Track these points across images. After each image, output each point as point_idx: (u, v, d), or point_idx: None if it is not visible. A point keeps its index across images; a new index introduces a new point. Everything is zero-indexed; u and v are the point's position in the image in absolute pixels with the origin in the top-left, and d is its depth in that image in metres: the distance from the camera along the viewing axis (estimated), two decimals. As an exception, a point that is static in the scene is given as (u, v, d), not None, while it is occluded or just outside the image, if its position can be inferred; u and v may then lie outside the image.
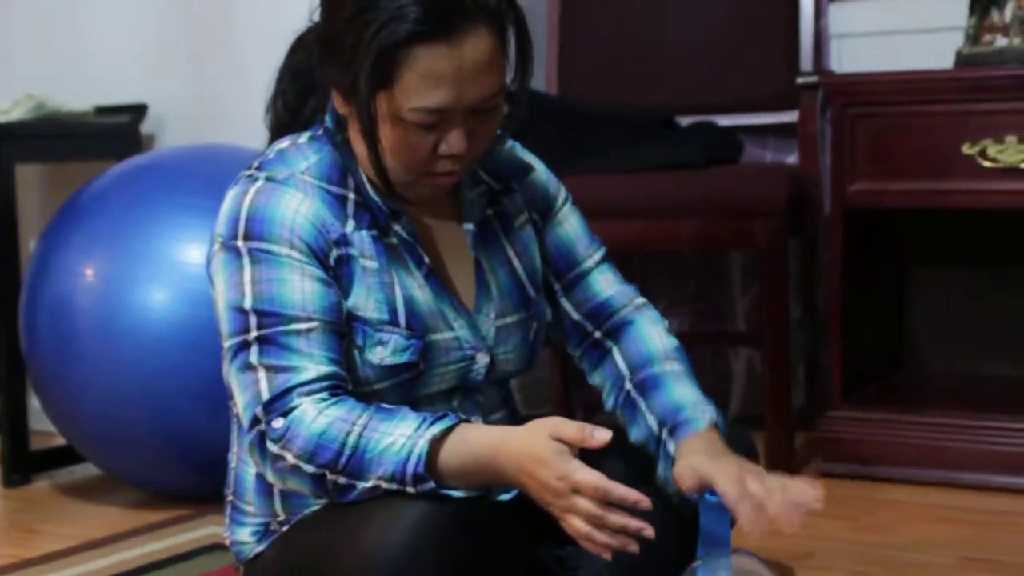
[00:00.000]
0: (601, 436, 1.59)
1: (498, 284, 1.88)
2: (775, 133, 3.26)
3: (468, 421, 1.69)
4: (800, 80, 2.99)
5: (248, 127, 3.09)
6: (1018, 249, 3.06)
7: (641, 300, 1.99)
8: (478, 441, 1.64)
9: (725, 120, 3.15)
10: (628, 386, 1.91)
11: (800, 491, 1.69)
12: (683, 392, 1.86)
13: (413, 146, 1.70)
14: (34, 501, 2.89)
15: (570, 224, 1.98)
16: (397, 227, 1.80)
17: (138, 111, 3.32)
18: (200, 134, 3.22)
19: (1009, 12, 2.75)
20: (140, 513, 2.71)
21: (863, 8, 3.29)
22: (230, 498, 1.93)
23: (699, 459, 1.73)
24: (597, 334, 1.97)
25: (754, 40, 3.24)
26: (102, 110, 3.32)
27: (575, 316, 1.97)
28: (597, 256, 1.98)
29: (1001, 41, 2.75)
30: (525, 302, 1.90)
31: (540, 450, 1.59)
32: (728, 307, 3.39)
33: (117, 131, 3.28)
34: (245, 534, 1.90)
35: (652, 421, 1.86)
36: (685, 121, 3.11)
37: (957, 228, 3.06)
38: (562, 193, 1.99)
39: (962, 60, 2.79)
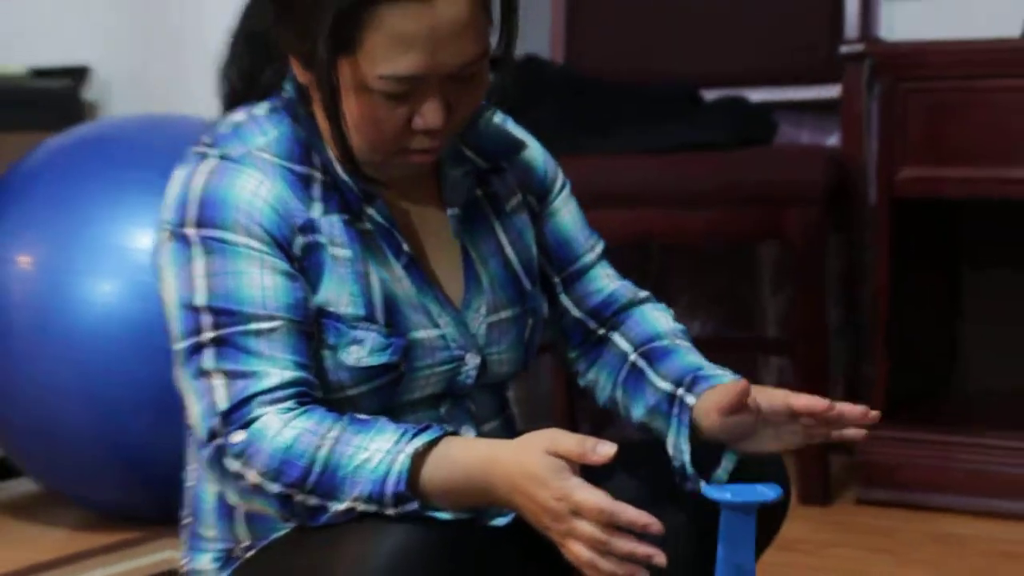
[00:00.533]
0: (604, 451, 1.58)
1: (489, 275, 1.88)
2: (814, 110, 3.28)
3: (455, 433, 1.69)
4: (844, 49, 3.02)
5: (208, 94, 3.13)
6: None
7: (645, 293, 2.01)
8: (466, 456, 1.64)
9: (756, 95, 3.16)
10: (632, 358, 1.92)
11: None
12: (698, 359, 1.88)
13: (381, 120, 1.69)
14: (-37, 521, 2.92)
15: (569, 212, 1.99)
16: (371, 211, 1.79)
17: (79, 74, 3.35)
18: (152, 101, 3.24)
19: (1086, -26, 2.78)
20: (85, 535, 2.74)
21: (918, -32, 3.30)
22: (187, 520, 1.94)
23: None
24: (600, 331, 1.98)
25: (790, 3, 3.25)
26: (38, 73, 3.35)
27: (576, 314, 1.98)
28: (599, 249, 1.99)
29: (1079, 7, 2.78)
30: (520, 295, 1.90)
31: (536, 467, 1.59)
32: (757, 310, 3.42)
33: (55, 97, 3.31)
34: (205, 561, 1.90)
35: (664, 384, 1.86)
36: (710, 95, 3.13)
37: (1020, 223, 3.05)
38: (560, 176, 1.99)
39: (1032, 29, 2.80)
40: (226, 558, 1.88)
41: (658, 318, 1.98)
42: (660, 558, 1.58)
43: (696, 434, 1.81)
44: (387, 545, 1.63)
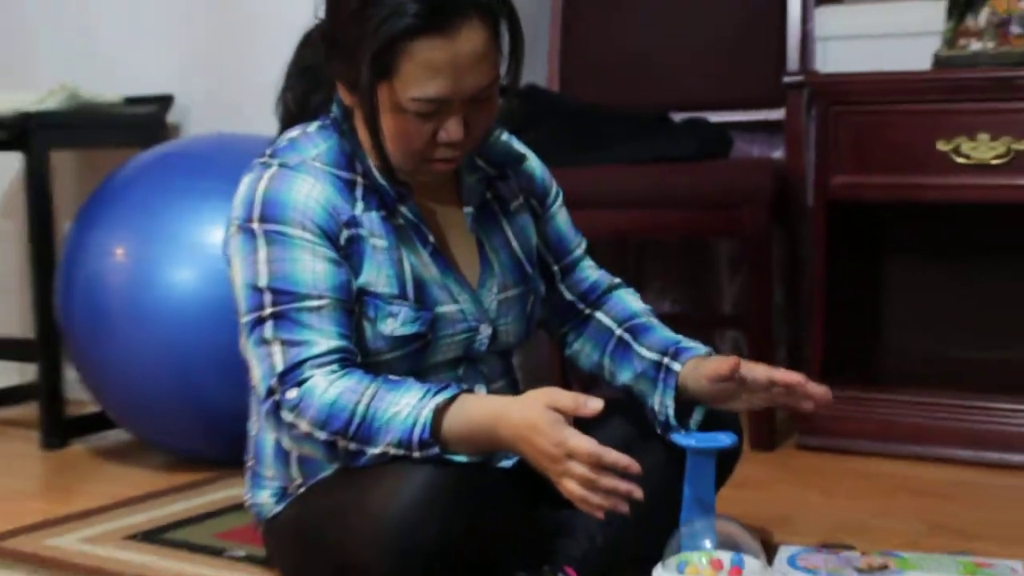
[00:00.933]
0: (594, 405, 1.61)
1: (499, 262, 1.90)
2: (762, 129, 3.26)
3: (470, 391, 1.72)
4: (787, 80, 3.01)
5: (265, 117, 3.10)
6: (986, 242, 3.05)
7: (618, 280, 2.06)
8: (479, 410, 1.67)
9: (715, 117, 3.15)
10: (618, 333, 1.97)
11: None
12: (672, 333, 1.95)
13: (412, 134, 1.71)
14: (70, 463, 2.91)
15: (562, 217, 2.03)
16: (403, 209, 1.81)
17: (164, 102, 3.33)
18: (221, 123, 3.21)
19: (984, 18, 2.74)
20: (167, 475, 2.74)
21: (847, 12, 3.28)
22: (250, 464, 1.95)
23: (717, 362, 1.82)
24: (587, 311, 2.03)
25: (744, 42, 3.23)
26: (131, 100, 3.32)
27: (568, 297, 2.02)
28: (583, 246, 2.05)
29: (976, 45, 2.74)
30: (523, 277, 1.93)
31: (537, 418, 1.61)
32: (716, 292, 3.41)
33: (145, 120, 3.29)
34: (264, 496, 1.92)
35: (650, 354, 1.91)
36: (678, 118, 3.12)
37: (931, 221, 3.05)
38: (554, 185, 2.02)
39: (939, 62, 2.79)
40: (282, 494, 1.90)
41: (632, 300, 2.03)
42: (638, 493, 1.61)
43: (677, 394, 1.86)
44: (415, 481, 1.66)
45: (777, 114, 3.10)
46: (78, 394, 3.08)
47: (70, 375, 3.00)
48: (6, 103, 3.15)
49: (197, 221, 2.66)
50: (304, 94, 1.90)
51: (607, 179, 2.88)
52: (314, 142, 1.82)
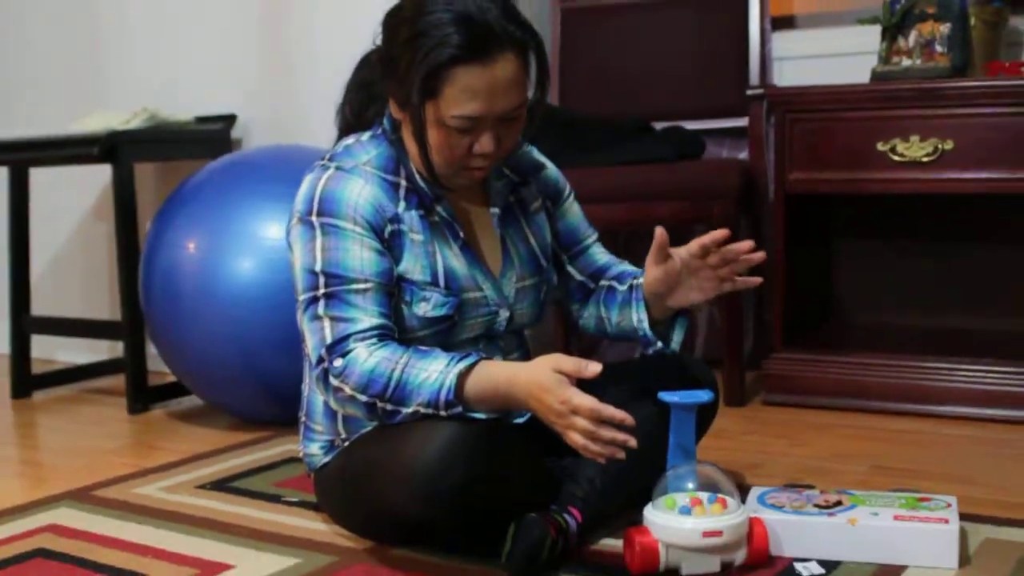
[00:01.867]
0: (594, 368, 1.61)
1: (519, 255, 1.89)
2: (730, 135, 3.23)
3: (489, 358, 1.70)
4: (749, 92, 2.98)
5: (315, 131, 3.12)
6: (920, 227, 3.05)
7: (626, 263, 2.04)
8: (496, 374, 1.66)
9: (691, 125, 3.13)
10: (606, 284, 1.98)
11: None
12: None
13: (453, 146, 1.71)
14: (152, 425, 2.90)
15: (574, 212, 2.01)
16: (439, 208, 1.81)
17: (229, 120, 3.32)
18: (276, 138, 3.22)
19: (912, 39, 2.74)
20: (232, 434, 2.72)
21: (799, 36, 3.29)
22: (303, 419, 1.94)
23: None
24: (591, 285, 2.01)
25: (713, 62, 3.21)
26: (201, 119, 3.32)
27: (579, 278, 2.01)
28: (594, 236, 2.04)
29: (906, 62, 2.74)
30: (539, 269, 1.92)
31: (545, 380, 1.61)
32: (693, 272, 3.37)
33: (212, 136, 3.27)
34: (315, 448, 1.92)
35: (623, 287, 1.93)
36: (659, 126, 3.10)
37: (873, 209, 3.05)
38: (567, 187, 2.02)
39: (876, 76, 2.77)
40: (329, 446, 1.91)
41: (629, 270, 2.01)
42: (632, 442, 1.61)
43: (649, 306, 1.87)
44: (440, 434, 1.65)
45: (742, 122, 3.07)
46: (158, 366, 3.09)
47: (151, 350, 3.00)
48: (98, 123, 3.17)
49: (256, 219, 2.63)
50: (361, 107, 1.90)
51: (599, 178, 2.85)
52: (366, 149, 1.82)
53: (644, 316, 1.88)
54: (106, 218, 3.58)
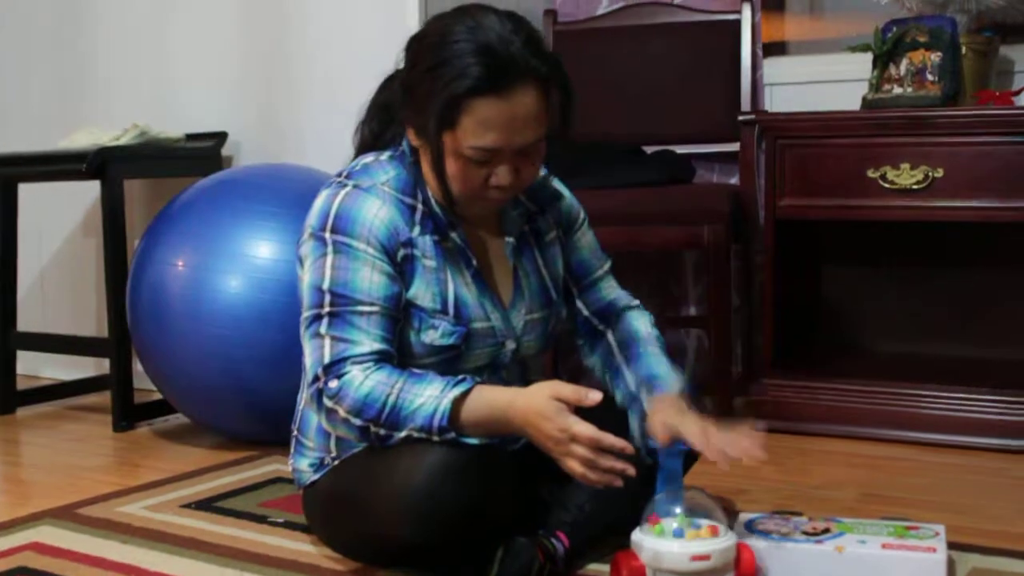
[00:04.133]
0: (595, 397, 1.60)
1: (530, 288, 1.87)
2: (720, 160, 3.23)
3: (484, 383, 1.69)
4: (741, 118, 2.98)
5: (305, 150, 3.11)
6: (909, 254, 3.05)
7: (636, 302, 2.00)
8: (493, 400, 1.65)
9: (681, 149, 3.13)
10: (617, 360, 1.92)
11: (748, 445, 1.70)
12: (659, 365, 1.87)
13: (470, 177, 1.68)
14: (137, 443, 2.88)
15: (587, 240, 1.98)
16: (453, 235, 1.78)
17: (219, 137, 3.31)
18: (266, 156, 3.21)
19: (903, 67, 2.75)
20: (219, 453, 2.70)
21: (790, 62, 3.30)
22: (296, 433, 1.93)
23: (669, 414, 1.73)
24: (601, 327, 1.97)
25: (704, 87, 3.22)
26: (191, 136, 3.31)
27: (585, 313, 1.97)
28: (606, 266, 2.00)
29: (897, 90, 2.74)
30: (549, 302, 1.90)
31: (543, 407, 1.60)
32: (683, 296, 3.37)
33: (203, 153, 3.26)
34: (304, 464, 1.90)
35: (632, 384, 1.86)
36: (649, 150, 3.10)
37: (862, 236, 3.04)
38: (582, 215, 1.98)
39: (867, 104, 2.78)
40: (319, 464, 1.90)
41: (640, 324, 1.96)
42: (631, 471, 1.61)
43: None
44: (432, 457, 1.64)
45: (733, 147, 3.06)
46: (144, 384, 3.06)
47: (137, 368, 2.97)
48: (87, 140, 3.16)
49: (246, 238, 2.62)
50: (381, 128, 1.87)
51: (588, 202, 2.74)
52: (384, 169, 1.79)
53: (638, 427, 1.82)
54: (94, 235, 3.57)
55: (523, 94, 1.64)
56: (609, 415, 1.81)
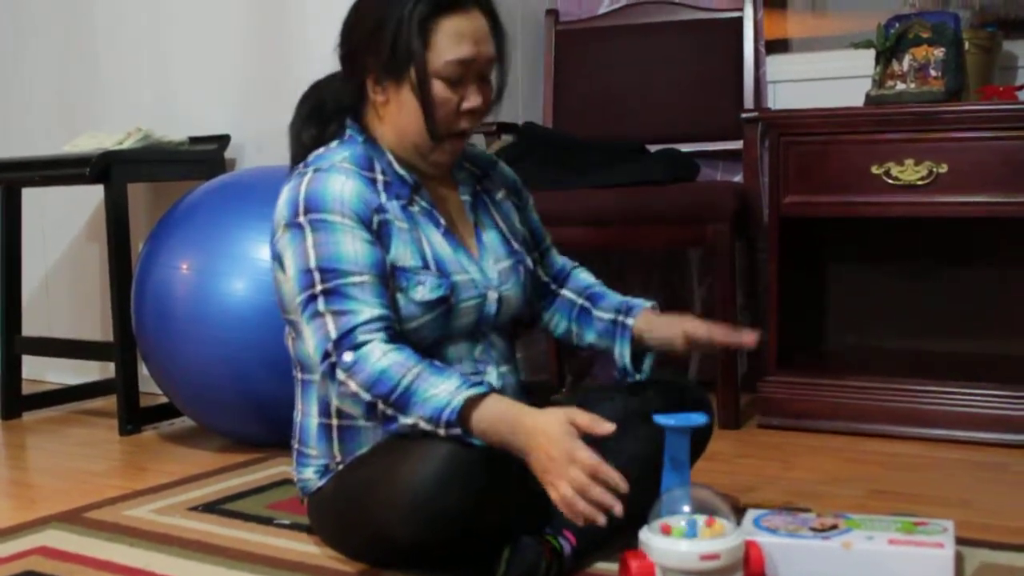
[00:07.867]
0: (607, 427, 1.61)
1: (491, 240, 1.93)
2: (724, 157, 3.23)
3: (500, 391, 1.70)
4: (744, 115, 2.98)
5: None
6: (914, 250, 3.05)
7: (576, 263, 2.14)
8: (504, 410, 1.64)
9: (685, 147, 3.13)
10: (579, 302, 2.05)
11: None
12: (620, 296, 2.04)
13: (446, 100, 1.77)
14: (143, 446, 2.88)
15: (535, 216, 2.10)
16: (418, 198, 1.84)
17: (223, 141, 3.32)
18: (269, 159, 3.21)
19: (906, 63, 2.74)
20: (225, 455, 2.71)
21: (793, 60, 3.30)
22: (296, 446, 1.93)
23: (670, 322, 1.93)
24: (555, 288, 2.09)
25: (708, 85, 3.22)
26: (194, 140, 3.32)
27: (543, 278, 2.09)
28: (549, 239, 2.12)
29: (900, 86, 2.74)
30: (511, 251, 1.95)
31: (554, 430, 1.60)
32: (688, 295, 3.37)
33: (206, 156, 3.27)
34: (309, 473, 1.90)
35: (607, 316, 2.00)
36: (653, 148, 3.10)
37: (867, 232, 3.04)
38: (525, 191, 2.10)
39: (870, 100, 2.78)
40: (324, 470, 1.90)
41: (586, 276, 2.11)
42: (618, 508, 1.58)
43: (632, 344, 1.96)
44: (437, 457, 1.64)
45: (736, 144, 3.08)
46: (150, 387, 3.07)
47: (143, 372, 2.98)
48: (90, 144, 3.16)
49: (250, 240, 2.62)
50: (319, 129, 1.92)
51: (592, 200, 2.86)
52: (338, 151, 1.84)
53: (627, 352, 1.96)
54: (98, 239, 3.57)
55: (476, 12, 1.78)
56: (610, 407, 1.86)
